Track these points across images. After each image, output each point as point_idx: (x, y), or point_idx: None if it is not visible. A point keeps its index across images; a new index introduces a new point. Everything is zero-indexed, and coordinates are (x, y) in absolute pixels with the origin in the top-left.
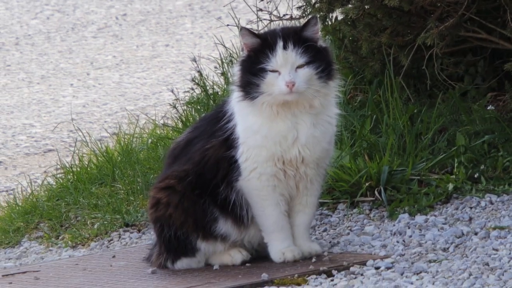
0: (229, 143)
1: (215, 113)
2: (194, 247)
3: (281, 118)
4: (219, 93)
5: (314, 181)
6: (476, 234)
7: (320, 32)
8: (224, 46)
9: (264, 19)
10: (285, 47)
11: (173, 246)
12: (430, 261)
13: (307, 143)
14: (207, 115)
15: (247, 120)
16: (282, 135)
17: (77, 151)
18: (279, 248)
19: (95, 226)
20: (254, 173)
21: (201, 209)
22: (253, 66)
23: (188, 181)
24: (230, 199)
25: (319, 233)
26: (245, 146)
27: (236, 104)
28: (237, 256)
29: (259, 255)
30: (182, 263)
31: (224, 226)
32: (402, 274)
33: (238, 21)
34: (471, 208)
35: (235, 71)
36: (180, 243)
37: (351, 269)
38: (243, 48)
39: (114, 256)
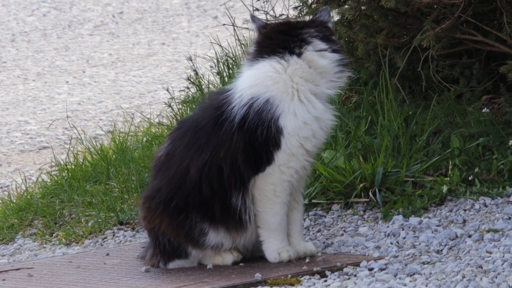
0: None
1: (210, 121)
2: (187, 251)
3: (325, 105)
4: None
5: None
6: (470, 236)
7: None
8: (220, 46)
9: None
10: None
11: (167, 250)
12: (423, 263)
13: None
14: (191, 125)
15: (302, 111)
16: (330, 123)
17: (72, 149)
18: (276, 247)
19: (89, 224)
20: (284, 167)
21: (189, 226)
22: None
23: (174, 204)
24: (233, 205)
25: (313, 233)
26: (294, 137)
27: (288, 99)
28: (228, 257)
29: (253, 256)
30: (175, 264)
31: (216, 238)
32: (395, 275)
33: (234, 20)
34: (465, 210)
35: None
36: (174, 248)
37: (345, 270)
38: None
39: (108, 254)
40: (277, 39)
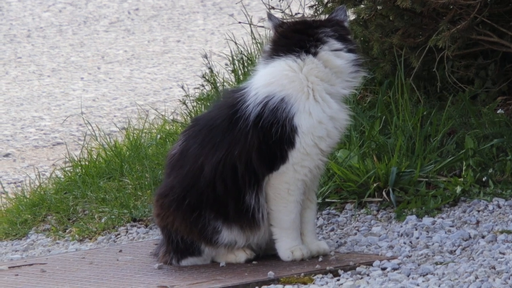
0: (271, 137)
1: (225, 119)
2: (200, 249)
3: (340, 105)
4: (228, 89)
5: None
6: (483, 237)
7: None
8: (236, 43)
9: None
10: None
11: (180, 248)
12: (436, 263)
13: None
14: (206, 123)
15: (317, 110)
16: (345, 123)
17: (86, 145)
18: (289, 246)
19: (103, 220)
20: (298, 166)
21: (202, 224)
22: None
23: (188, 201)
24: (247, 203)
25: (326, 232)
26: (308, 136)
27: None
28: (241, 255)
29: (266, 254)
30: (188, 261)
31: (229, 236)
32: (408, 275)
33: (251, 19)
34: (478, 211)
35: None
36: (187, 246)
37: (357, 269)
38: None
39: (120, 251)
40: (293, 38)
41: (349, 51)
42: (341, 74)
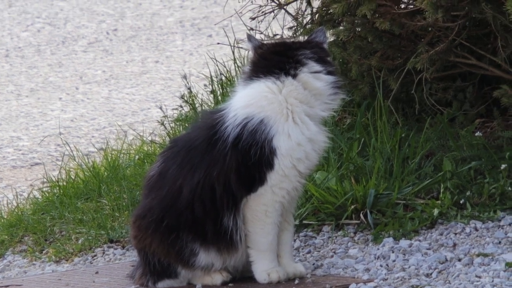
0: (249, 159)
1: (203, 140)
2: (177, 271)
3: (319, 127)
4: (207, 110)
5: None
6: (459, 260)
7: None
8: (215, 63)
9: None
10: None
11: (156, 270)
12: (412, 286)
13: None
14: (185, 144)
15: (296, 132)
16: (323, 145)
17: (64, 165)
18: (266, 268)
19: (80, 241)
20: (276, 187)
21: (180, 246)
22: None
23: (166, 223)
24: (225, 225)
25: (303, 254)
26: (287, 158)
27: (282, 120)
28: (217, 277)
29: (242, 276)
30: (165, 283)
31: (206, 258)
32: None
33: (234, 40)
34: (455, 234)
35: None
36: (164, 268)
37: None
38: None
39: (97, 272)
40: (273, 60)
41: (329, 73)
42: (320, 96)
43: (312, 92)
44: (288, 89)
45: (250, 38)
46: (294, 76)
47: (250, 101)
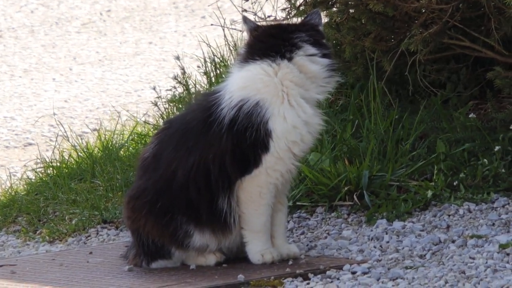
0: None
1: (199, 122)
2: (170, 252)
3: (314, 109)
4: (202, 92)
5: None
6: (453, 242)
7: None
8: (208, 45)
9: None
10: None
11: (150, 250)
12: (406, 268)
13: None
14: (180, 126)
15: (291, 115)
16: (318, 128)
17: (57, 146)
18: (259, 249)
19: (73, 222)
20: (270, 169)
21: (174, 227)
22: None
23: (160, 205)
24: (220, 207)
25: (297, 235)
26: (282, 140)
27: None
28: (211, 258)
29: (236, 256)
30: (158, 264)
31: (201, 240)
32: (378, 279)
33: (224, 21)
34: (449, 215)
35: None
36: (157, 249)
37: (328, 273)
38: None
39: (91, 253)
40: (269, 43)
41: (324, 56)
42: (316, 79)
43: (308, 75)
44: (283, 72)
45: (245, 20)
46: (290, 59)
47: (245, 83)
